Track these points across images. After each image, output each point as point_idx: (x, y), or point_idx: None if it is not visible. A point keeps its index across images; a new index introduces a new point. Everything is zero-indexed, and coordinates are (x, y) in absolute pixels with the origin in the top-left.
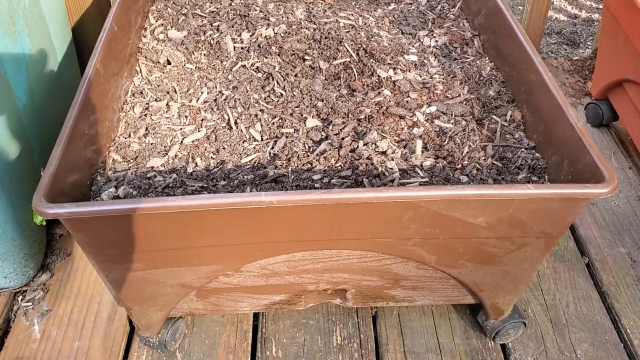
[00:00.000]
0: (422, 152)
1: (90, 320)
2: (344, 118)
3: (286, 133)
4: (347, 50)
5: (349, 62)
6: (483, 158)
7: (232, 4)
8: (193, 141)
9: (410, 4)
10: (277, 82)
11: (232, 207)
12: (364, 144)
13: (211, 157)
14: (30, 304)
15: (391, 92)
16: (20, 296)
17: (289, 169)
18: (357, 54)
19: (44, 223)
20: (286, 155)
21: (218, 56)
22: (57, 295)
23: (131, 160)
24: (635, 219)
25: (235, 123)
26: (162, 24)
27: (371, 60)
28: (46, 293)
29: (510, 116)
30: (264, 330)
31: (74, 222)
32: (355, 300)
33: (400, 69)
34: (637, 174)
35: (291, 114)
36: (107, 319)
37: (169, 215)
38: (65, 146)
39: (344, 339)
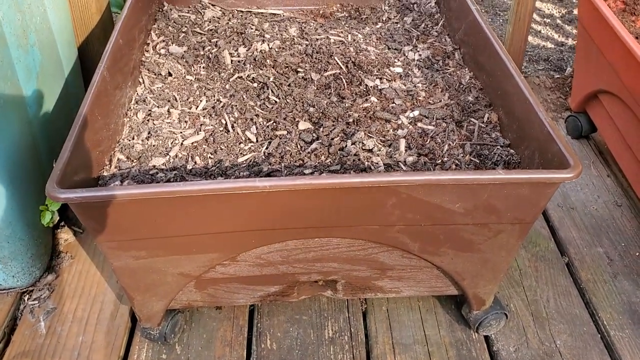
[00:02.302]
0: (406, 150)
1: (93, 317)
2: (333, 121)
3: (280, 135)
4: (337, 63)
5: (339, 73)
6: (462, 155)
7: (230, 23)
8: (192, 143)
9: (397, 22)
10: (272, 91)
11: (229, 192)
12: (352, 143)
13: (209, 156)
14: (37, 302)
15: (377, 99)
16: (27, 296)
17: (282, 165)
18: (347, 67)
19: (51, 225)
20: (279, 154)
21: (216, 68)
22: (62, 294)
23: (135, 160)
24: (613, 221)
25: (232, 126)
26: (164, 40)
27: (359, 71)
28: (52, 292)
29: (488, 118)
30: (259, 325)
31: (84, 206)
32: (345, 291)
33: (386, 79)
34: (615, 181)
35: (284, 118)
36: (109, 316)
37: (171, 201)
38: (75, 142)
39: (335, 332)
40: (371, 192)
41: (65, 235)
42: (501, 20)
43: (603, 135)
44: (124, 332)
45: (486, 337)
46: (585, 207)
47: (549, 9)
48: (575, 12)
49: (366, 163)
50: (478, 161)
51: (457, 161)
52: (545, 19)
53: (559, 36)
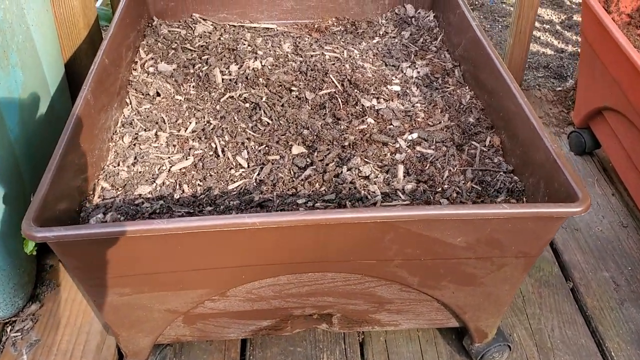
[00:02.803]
0: (404, 176)
1: (78, 349)
2: (328, 145)
3: (272, 160)
4: (332, 81)
5: (334, 92)
6: (463, 182)
7: (221, 38)
8: (180, 169)
9: (394, 37)
10: (264, 112)
11: (216, 229)
12: (348, 169)
13: (198, 184)
14: (19, 334)
15: (374, 120)
16: (9, 327)
17: (274, 194)
18: (342, 85)
19: (34, 253)
20: (272, 181)
21: (206, 88)
22: (46, 325)
23: (119, 188)
24: (619, 243)
25: (223, 151)
26: (153, 58)
27: (355, 90)
28: (35, 323)
29: (490, 141)
30: (251, 358)
31: (62, 245)
32: (341, 325)
33: (384, 99)
34: (620, 200)
35: (277, 142)
36: (95, 349)
37: (155, 239)
38: (54, 173)
39: None
40: (367, 228)
41: (51, 262)
42: (500, 27)
43: (607, 152)
44: None
45: None
46: (589, 229)
47: (548, 15)
48: (575, 17)
49: (362, 192)
50: (480, 188)
51: (458, 189)
52: (544, 25)
53: (558, 43)
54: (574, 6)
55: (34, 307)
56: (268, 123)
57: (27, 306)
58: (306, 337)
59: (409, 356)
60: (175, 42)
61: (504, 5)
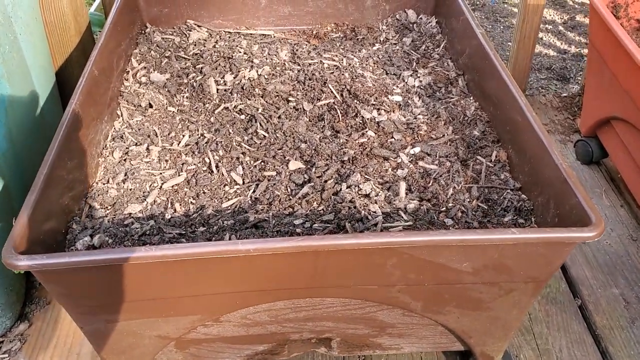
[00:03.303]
0: (406, 194)
1: None
2: (327, 160)
3: (268, 176)
4: (331, 92)
5: (333, 103)
6: (468, 200)
7: (216, 46)
8: (173, 186)
9: (395, 44)
10: (260, 124)
11: (208, 256)
12: (347, 187)
13: (191, 202)
14: (7, 355)
15: (375, 133)
16: None
17: (270, 214)
18: (341, 95)
19: (22, 272)
20: (267, 199)
21: (201, 99)
22: (35, 346)
23: (109, 207)
24: (628, 258)
25: (217, 166)
26: (145, 67)
27: (355, 101)
28: (23, 344)
29: (496, 156)
30: None
31: (45, 274)
32: (340, 349)
33: (385, 110)
34: (629, 212)
35: (274, 157)
36: None
37: (143, 266)
38: (39, 194)
39: None
40: (368, 253)
41: None
42: (501, 27)
43: (615, 162)
44: None
45: None
46: (598, 242)
47: (550, 15)
48: (578, 18)
49: (362, 212)
50: (486, 207)
51: (463, 207)
52: (547, 26)
53: (561, 43)
54: (576, 6)
55: (23, 327)
56: (264, 136)
57: (16, 326)
58: (305, 358)
59: None
60: (169, 50)
61: (505, 5)
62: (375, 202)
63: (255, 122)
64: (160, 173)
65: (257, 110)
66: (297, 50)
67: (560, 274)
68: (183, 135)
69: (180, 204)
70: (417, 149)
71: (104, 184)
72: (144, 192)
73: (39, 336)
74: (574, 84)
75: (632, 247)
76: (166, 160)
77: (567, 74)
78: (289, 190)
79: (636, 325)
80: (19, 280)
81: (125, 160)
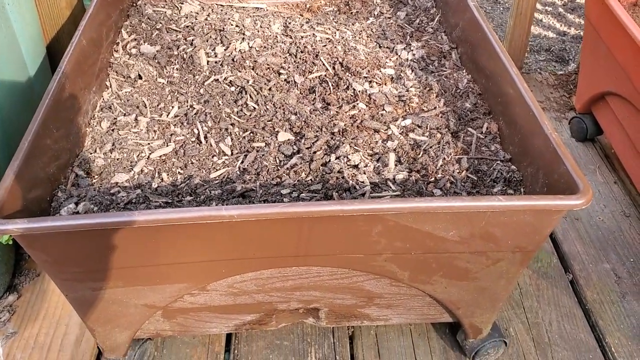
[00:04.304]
0: (395, 165)
1: (57, 342)
2: (317, 132)
3: (257, 147)
4: (323, 64)
5: (325, 75)
6: (457, 171)
7: (208, 18)
8: (160, 156)
9: (389, 18)
10: (250, 96)
11: (192, 222)
12: (336, 158)
13: (178, 172)
14: None
15: (366, 106)
16: None
17: (258, 184)
18: (333, 68)
19: (10, 242)
20: (255, 170)
21: (191, 70)
22: (24, 317)
23: (95, 176)
24: (621, 234)
25: (205, 137)
26: (135, 39)
27: (347, 74)
28: (12, 315)
29: (487, 128)
30: (236, 352)
31: (27, 238)
32: (328, 319)
33: (376, 82)
34: (623, 188)
35: (263, 128)
36: (74, 342)
37: (126, 231)
38: (22, 161)
39: None
40: (354, 221)
41: None
42: (501, 9)
43: (610, 138)
44: (90, 359)
45: None
46: (590, 218)
47: None
48: None
49: (350, 182)
50: (476, 178)
51: (452, 178)
52: (546, 7)
53: (560, 25)
54: None
55: (12, 298)
56: (254, 108)
57: (4, 297)
58: (293, 330)
59: (400, 351)
60: (160, 23)
61: None
62: (364, 173)
63: (245, 94)
64: (148, 143)
65: (248, 82)
66: (289, 23)
67: (552, 249)
68: (172, 107)
69: (168, 174)
70: (408, 121)
71: (91, 153)
72: (131, 162)
73: (28, 307)
74: (572, 65)
75: (624, 223)
76: (154, 131)
77: (566, 55)
78: (277, 161)
79: (627, 300)
80: (8, 252)
81: (113, 130)
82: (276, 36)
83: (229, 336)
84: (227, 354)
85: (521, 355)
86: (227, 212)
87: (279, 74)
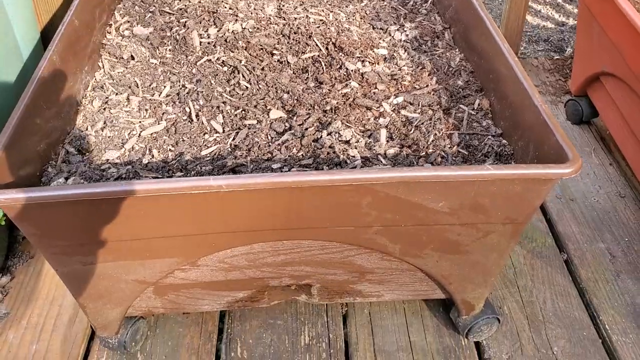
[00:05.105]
0: (387, 141)
1: (50, 323)
2: (309, 109)
3: (248, 124)
4: (316, 45)
5: (318, 56)
6: (449, 146)
7: (201, 1)
8: (152, 134)
9: (383, 0)
10: (243, 76)
11: (180, 192)
12: (328, 134)
13: (169, 149)
14: None
15: (359, 84)
16: None
17: (248, 159)
18: (326, 48)
19: (2, 223)
20: (247, 146)
21: (183, 51)
22: (17, 298)
23: (86, 153)
24: (616, 214)
25: (197, 115)
26: (128, 21)
27: (340, 54)
28: (5, 296)
29: (478, 105)
30: (229, 330)
31: (15, 210)
32: (320, 296)
33: (369, 62)
34: (618, 169)
35: (255, 106)
36: (67, 322)
37: (114, 202)
38: (10, 136)
39: (312, 338)
40: (342, 191)
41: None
42: (499, 1)
43: (605, 120)
44: (82, 339)
45: (477, 343)
46: (585, 199)
47: None
48: None
49: (341, 156)
50: (467, 153)
51: (443, 153)
52: None
53: (559, 16)
54: None
55: (4, 280)
56: (246, 87)
57: None
58: (287, 309)
59: (394, 329)
60: (154, 5)
61: None
62: (355, 148)
63: (238, 73)
64: (140, 121)
65: (240, 62)
66: (283, 5)
67: (547, 229)
68: (164, 86)
69: (159, 151)
70: (400, 99)
71: (82, 131)
72: (122, 140)
73: (21, 289)
74: (569, 49)
75: (619, 204)
76: (146, 110)
77: (564, 45)
78: (269, 137)
79: (621, 278)
80: (1, 234)
81: (104, 109)
82: (269, 18)
83: (222, 315)
84: (221, 334)
85: (515, 333)
86: (215, 182)
87: (272, 54)
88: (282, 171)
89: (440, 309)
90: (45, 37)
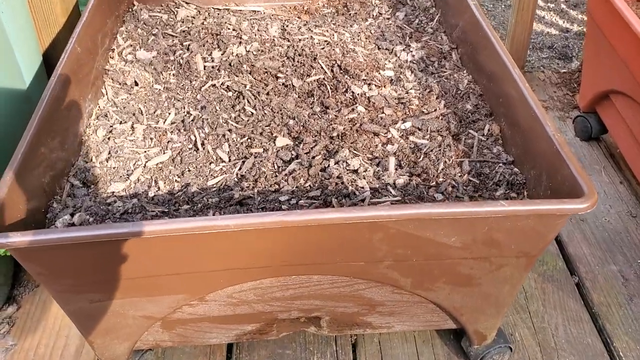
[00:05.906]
0: (396, 169)
1: (57, 354)
2: (315, 136)
3: (255, 153)
4: (321, 67)
5: (323, 79)
6: (459, 174)
7: (205, 22)
8: (157, 164)
9: (388, 19)
10: (248, 101)
11: (187, 232)
12: (335, 163)
13: (175, 180)
14: None
15: (365, 109)
16: None
17: (256, 191)
18: (332, 71)
19: (8, 253)
20: (253, 176)
21: (187, 76)
22: (24, 328)
23: (91, 186)
24: (627, 235)
25: (202, 144)
26: (131, 45)
27: (346, 76)
28: (12, 327)
29: (488, 130)
30: None
31: (22, 252)
32: (330, 328)
33: (375, 85)
34: (629, 188)
35: (261, 133)
36: (74, 353)
37: (121, 243)
38: (16, 172)
39: None
40: (354, 228)
41: None
42: (503, 6)
43: (615, 137)
44: None
45: None
46: (596, 219)
47: None
48: None
49: (350, 187)
50: (478, 181)
51: (454, 182)
52: (549, 4)
53: (563, 22)
54: None
55: (11, 310)
56: (252, 113)
57: (3, 309)
58: (296, 338)
59: (404, 358)
60: (156, 28)
61: None
62: (364, 178)
63: (243, 98)
64: (145, 151)
65: (245, 87)
66: (287, 26)
67: (557, 251)
68: (169, 113)
69: (165, 182)
70: (408, 124)
71: (86, 162)
72: (127, 171)
73: (28, 319)
74: (575, 62)
75: (631, 224)
76: (151, 139)
77: (569, 52)
78: (275, 167)
79: (634, 302)
80: (7, 263)
81: (109, 138)
82: (274, 39)
83: (230, 346)
84: None
85: None
86: (222, 222)
87: (277, 77)
88: (289, 203)
89: (451, 337)
90: (47, 59)
